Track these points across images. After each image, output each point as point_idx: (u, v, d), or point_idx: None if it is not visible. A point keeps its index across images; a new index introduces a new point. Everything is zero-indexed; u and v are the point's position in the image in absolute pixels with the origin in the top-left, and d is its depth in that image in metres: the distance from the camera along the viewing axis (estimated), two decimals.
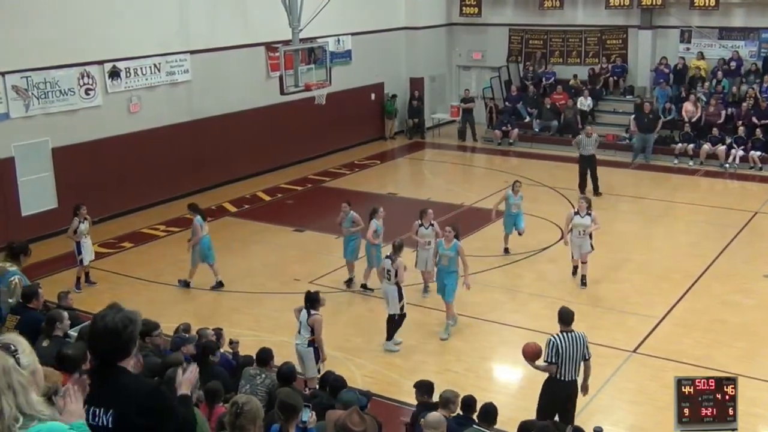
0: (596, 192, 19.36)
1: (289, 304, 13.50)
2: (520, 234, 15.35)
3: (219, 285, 14.16)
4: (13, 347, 3.15)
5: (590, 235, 13.97)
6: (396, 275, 11.62)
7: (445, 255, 12.21)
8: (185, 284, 14.20)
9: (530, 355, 8.95)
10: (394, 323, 11.84)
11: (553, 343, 8.76)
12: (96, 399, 3.64)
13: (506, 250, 15.57)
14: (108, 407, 3.61)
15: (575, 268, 14.26)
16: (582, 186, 19.46)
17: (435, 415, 6.69)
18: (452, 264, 12.17)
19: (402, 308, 11.74)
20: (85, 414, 3.60)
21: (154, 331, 8.43)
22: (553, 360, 8.76)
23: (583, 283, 13.97)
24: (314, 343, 10.17)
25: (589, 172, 19.54)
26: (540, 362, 8.87)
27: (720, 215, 17.84)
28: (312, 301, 10.27)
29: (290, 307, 13.37)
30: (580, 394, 9.02)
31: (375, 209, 13.66)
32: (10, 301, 9.19)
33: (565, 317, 8.98)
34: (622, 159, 22.68)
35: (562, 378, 8.79)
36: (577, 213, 13.92)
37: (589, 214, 13.91)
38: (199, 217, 13.93)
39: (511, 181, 15.90)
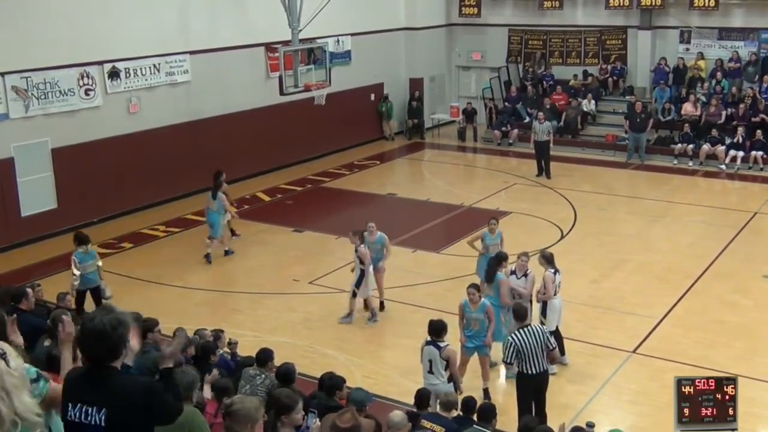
0: (547, 176, 20.85)
1: (288, 304, 13.59)
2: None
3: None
4: (1, 351, 3.16)
5: (543, 306, 10.90)
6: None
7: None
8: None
9: None
10: (561, 337, 10.93)
11: (511, 343, 8.94)
12: (88, 398, 3.74)
13: None
14: (101, 406, 3.71)
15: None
16: (539, 171, 21.06)
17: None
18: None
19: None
20: (78, 413, 3.74)
21: (154, 328, 8.62)
22: (511, 360, 8.97)
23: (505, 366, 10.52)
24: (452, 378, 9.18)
25: (542, 159, 20.97)
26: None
27: (719, 216, 17.84)
28: (437, 330, 9.10)
29: (290, 308, 13.48)
30: (578, 393, 9.04)
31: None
32: None
33: (521, 313, 9.27)
34: (622, 159, 22.70)
35: (528, 372, 8.97)
36: (513, 273, 11.26)
37: (526, 275, 11.16)
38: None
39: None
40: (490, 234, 12.85)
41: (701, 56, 24.02)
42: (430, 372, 9.11)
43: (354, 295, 12.61)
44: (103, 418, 3.70)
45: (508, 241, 13.08)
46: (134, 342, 4.16)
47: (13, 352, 3.28)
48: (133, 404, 3.71)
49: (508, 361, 8.99)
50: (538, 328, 9.11)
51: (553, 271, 11.02)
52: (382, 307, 13.09)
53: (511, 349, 8.88)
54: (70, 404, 3.76)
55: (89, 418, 3.71)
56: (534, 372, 8.93)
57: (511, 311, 10.66)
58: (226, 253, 15.71)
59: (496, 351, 10.52)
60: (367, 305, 12.88)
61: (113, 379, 3.76)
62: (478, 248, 12.87)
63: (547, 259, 11.19)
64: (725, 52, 23.72)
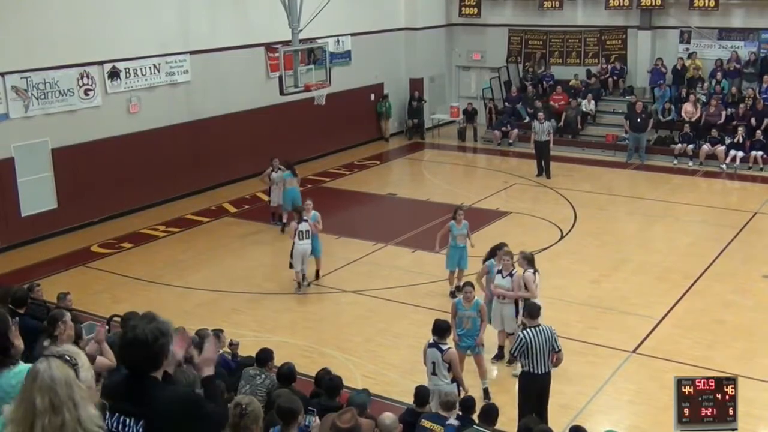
0: (547, 176, 20.87)
1: (288, 304, 13.60)
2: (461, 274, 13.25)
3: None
4: (73, 360, 3.12)
5: (516, 304, 10.92)
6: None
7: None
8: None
9: None
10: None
11: (522, 340, 8.95)
12: (126, 408, 3.65)
13: (453, 294, 12.95)
14: (138, 417, 3.62)
15: (500, 348, 11.32)
16: (539, 171, 21.05)
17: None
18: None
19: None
20: (116, 422, 3.65)
21: None
22: (518, 353, 8.97)
23: (508, 359, 10.95)
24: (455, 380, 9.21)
25: (542, 158, 21.00)
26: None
27: (719, 216, 17.85)
28: (442, 330, 9.10)
29: (290, 308, 13.49)
30: (578, 393, 9.04)
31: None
32: None
33: (533, 312, 9.22)
34: (622, 159, 22.70)
35: (533, 371, 8.99)
36: (499, 272, 11.15)
37: (512, 275, 11.02)
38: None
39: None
40: (456, 224, 13.24)
41: (695, 55, 24.00)
42: (434, 374, 9.13)
43: (291, 266, 14.03)
44: (141, 429, 3.62)
45: (509, 241, 13.04)
46: (177, 350, 4.04)
47: (87, 363, 3.22)
48: (172, 416, 3.62)
49: (515, 355, 9.01)
50: (548, 329, 9.06)
51: (532, 271, 11.02)
52: (317, 275, 14.50)
53: (521, 345, 8.90)
54: (107, 413, 3.66)
55: (127, 429, 3.63)
56: (539, 372, 8.95)
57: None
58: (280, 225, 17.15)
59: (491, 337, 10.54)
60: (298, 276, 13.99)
61: (153, 389, 3.67)
62: (442, 241, 13.54)
63: (528, 260, 11.20)
64: (725, 52, 23.72)
